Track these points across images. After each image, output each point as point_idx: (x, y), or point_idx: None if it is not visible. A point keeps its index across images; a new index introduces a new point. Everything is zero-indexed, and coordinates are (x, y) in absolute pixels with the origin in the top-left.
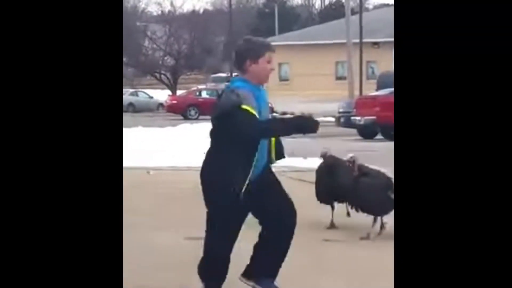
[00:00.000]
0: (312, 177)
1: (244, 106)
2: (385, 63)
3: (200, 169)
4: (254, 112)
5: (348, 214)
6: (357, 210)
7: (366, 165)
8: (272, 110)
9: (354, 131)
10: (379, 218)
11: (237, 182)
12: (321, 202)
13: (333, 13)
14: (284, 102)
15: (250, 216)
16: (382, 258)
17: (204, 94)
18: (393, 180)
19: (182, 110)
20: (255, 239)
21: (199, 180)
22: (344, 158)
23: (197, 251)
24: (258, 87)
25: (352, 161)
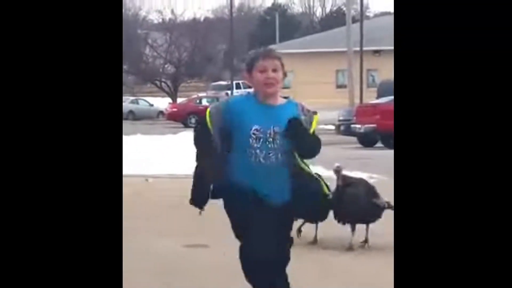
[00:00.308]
0: None
1: (208, 110)
2: (386, 71)
3: None
4: (207, 119)
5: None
6: (341, 222)
7: (347, 173)
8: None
9: (354, 139)
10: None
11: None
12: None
13: (334, 21)
14: None
15: None
16: (382, 266)
17: (204, 102)
18: (375, 187)
19: (182, 118)
20: None
21: None
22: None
23: (194, 258)
24: (264, 104)
25: (337, 171)
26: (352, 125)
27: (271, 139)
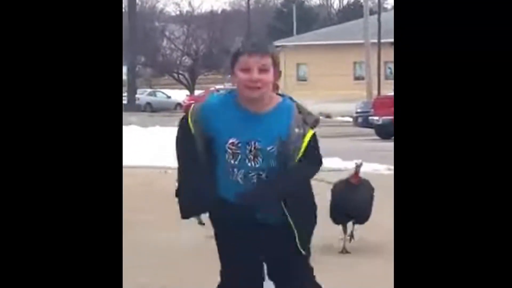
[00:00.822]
0: (330, 177)
1: (191, 108)
2: None
3: None
4: (189, 121)
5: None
6: (340, 220)
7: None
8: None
9: (371, 131)
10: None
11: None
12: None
13: (351, 13)
14: (302, 102)
15: None
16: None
17: None
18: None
19: None
20: None
21: None
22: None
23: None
24: (246, 110)
25: (359, 167)
26: (370, 117)
27: (251, 157)
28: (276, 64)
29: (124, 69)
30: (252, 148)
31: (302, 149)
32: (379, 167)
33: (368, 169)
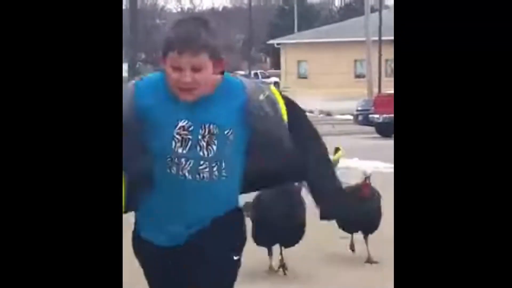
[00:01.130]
0: None
1: None
2: None
3: None
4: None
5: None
6: (351, 231)
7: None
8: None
9: (372, 129)
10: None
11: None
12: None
13: (352, 10)
14: (302, 100)
15: None
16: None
17: None
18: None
19: None
20: None
21: None
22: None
23: None
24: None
25: (368, 180)
26: (370, 115)
27: (203, 144)
28: (215, 55)
29: (125, 66)
30: (206, 133)
31: (282, 108)
32: (379, 165)
33: (369, 167)
